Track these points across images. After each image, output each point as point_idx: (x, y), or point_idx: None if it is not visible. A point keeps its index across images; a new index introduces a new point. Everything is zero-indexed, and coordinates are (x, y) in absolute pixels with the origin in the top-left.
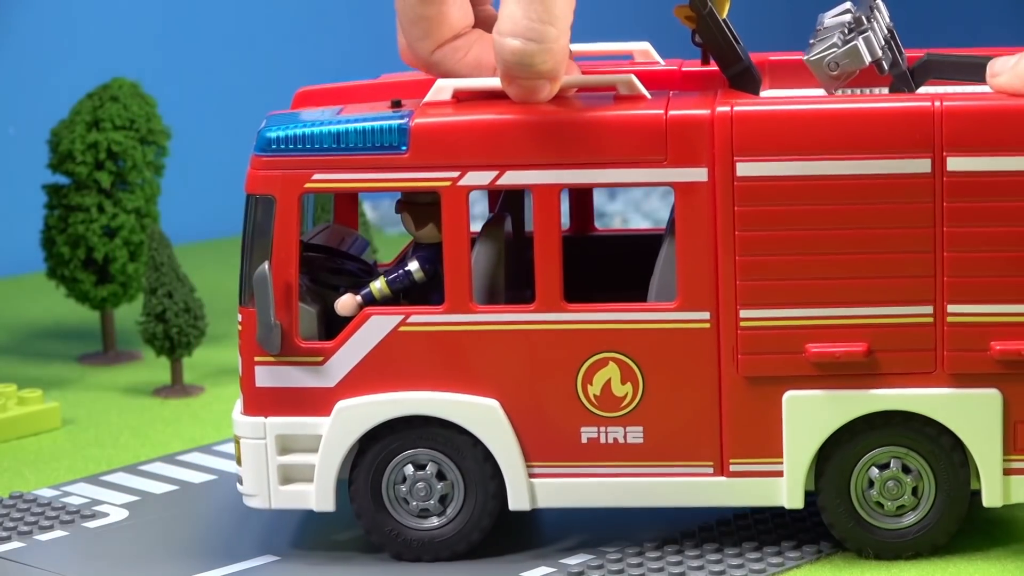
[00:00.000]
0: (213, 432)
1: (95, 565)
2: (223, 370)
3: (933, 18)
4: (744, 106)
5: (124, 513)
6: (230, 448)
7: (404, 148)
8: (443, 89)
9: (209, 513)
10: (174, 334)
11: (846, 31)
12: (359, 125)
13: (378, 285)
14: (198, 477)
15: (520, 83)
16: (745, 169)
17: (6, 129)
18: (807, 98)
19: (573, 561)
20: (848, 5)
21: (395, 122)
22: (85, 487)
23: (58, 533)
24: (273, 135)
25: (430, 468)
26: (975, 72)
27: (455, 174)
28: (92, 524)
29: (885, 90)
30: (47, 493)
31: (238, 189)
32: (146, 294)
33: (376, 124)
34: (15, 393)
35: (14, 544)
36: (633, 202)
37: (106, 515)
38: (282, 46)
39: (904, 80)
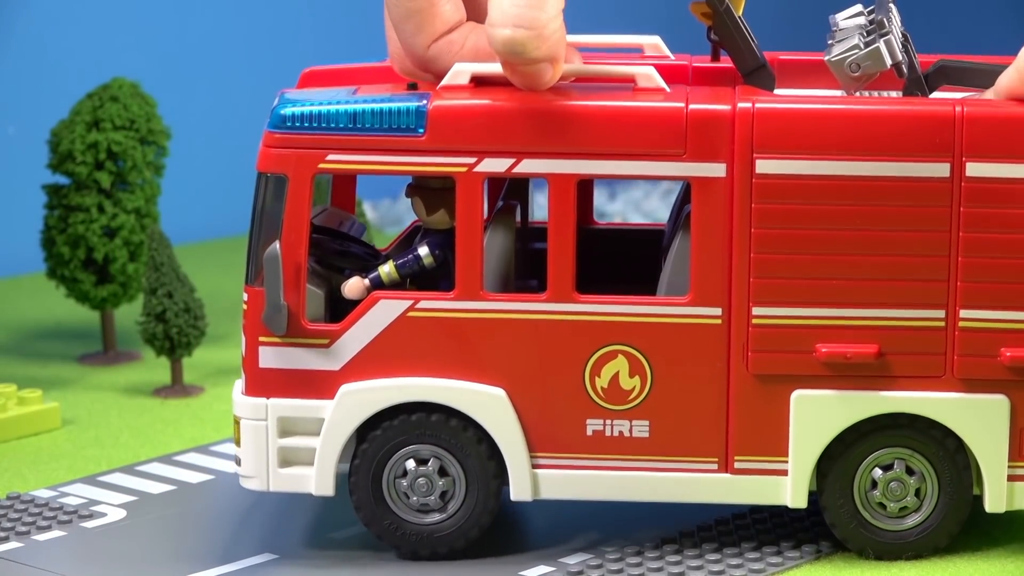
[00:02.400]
0: (213, 432)
1: (93, 565)
2: (223, 370)
3: (934, 23)
4: (766, 103)
5: (122, 513)
6: (227, 448)
7: (421, 131)
8: (461, 73)
9: (207, 513)
10: (174, 334)
11: (865, 33)
12: (376, 106)
13: (387, 269)
14: (195, 477)
15: (519, 70)
16: (764, 166)
17: (6, 129)
18: (829, 98)
19: (572, 560)
20: (859, 7)
21: (413, 104)
22: (83, 487)
23: (56, 533)
24: (288, 112)
25: (432, 464)
26: (988, 79)
27: (471, 160)
28: (90, 524)
29: (897, 94)
30: (44, 493)
31: (238, 189)
32: (146, 294)
33: (393, 105)
34: (15, 393)
35: (12, 544)
36: (633, 202)
37: (104, 515)
38: (282, 46)
39: (919, 85)
